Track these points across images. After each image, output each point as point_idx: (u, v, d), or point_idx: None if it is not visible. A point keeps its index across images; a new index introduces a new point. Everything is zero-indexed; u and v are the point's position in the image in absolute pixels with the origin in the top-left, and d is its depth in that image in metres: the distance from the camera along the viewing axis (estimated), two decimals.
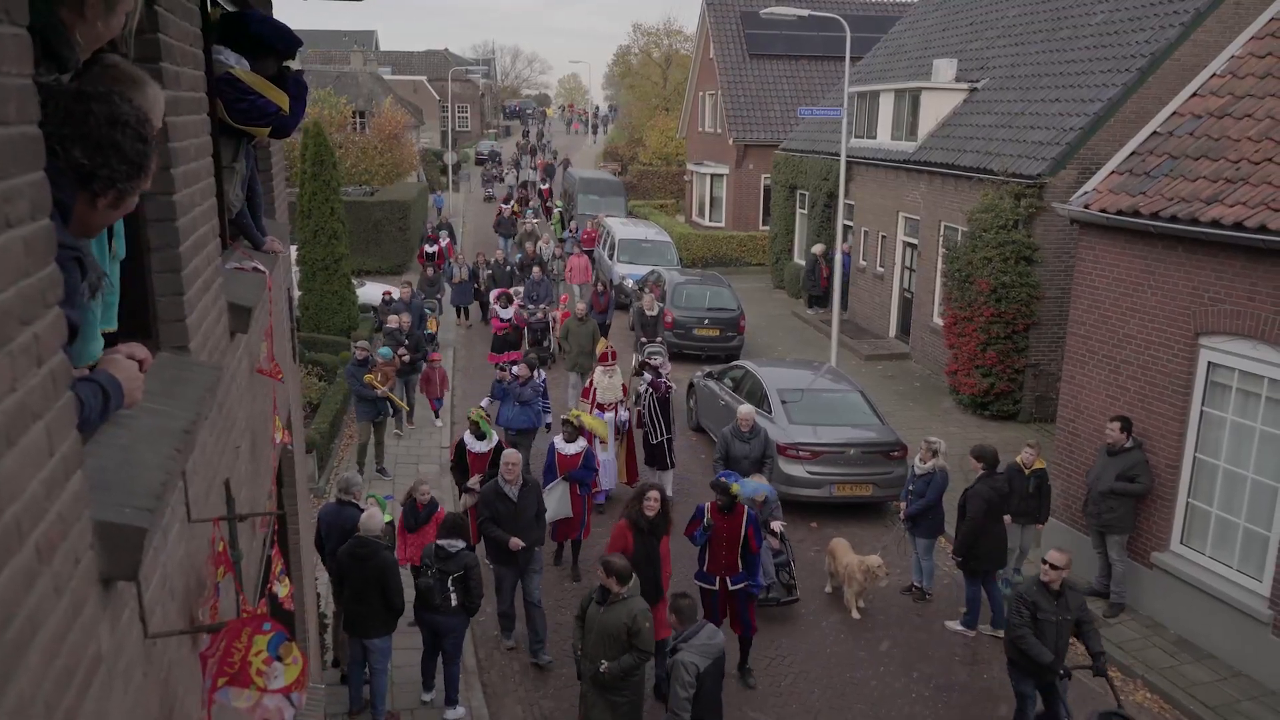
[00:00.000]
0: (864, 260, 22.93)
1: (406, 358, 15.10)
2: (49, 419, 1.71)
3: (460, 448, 10.99)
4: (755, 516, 9.20)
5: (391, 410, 14.36)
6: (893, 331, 21.76)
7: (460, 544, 8.24)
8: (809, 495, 12.45)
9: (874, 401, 14.09)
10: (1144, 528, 10.26)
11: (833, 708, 8.86)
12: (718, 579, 8.98)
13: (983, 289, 15.99)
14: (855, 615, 10.37)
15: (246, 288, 4.39)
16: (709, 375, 15.69)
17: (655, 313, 18.20)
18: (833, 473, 12.52)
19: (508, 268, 22.67)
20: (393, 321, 15.66)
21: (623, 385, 13.35)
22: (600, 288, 20.09)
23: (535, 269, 20.91)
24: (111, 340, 2.72)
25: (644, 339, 17.78)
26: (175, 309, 3.14)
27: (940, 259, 18.52)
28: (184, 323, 3.15)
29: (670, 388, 13.41)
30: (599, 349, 14.20)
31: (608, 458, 12.68)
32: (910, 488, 10.74)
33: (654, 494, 8.44)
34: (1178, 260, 9.83)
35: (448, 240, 25.81)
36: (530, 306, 19.26)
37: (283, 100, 4.55)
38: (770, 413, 13.23)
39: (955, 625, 10.22)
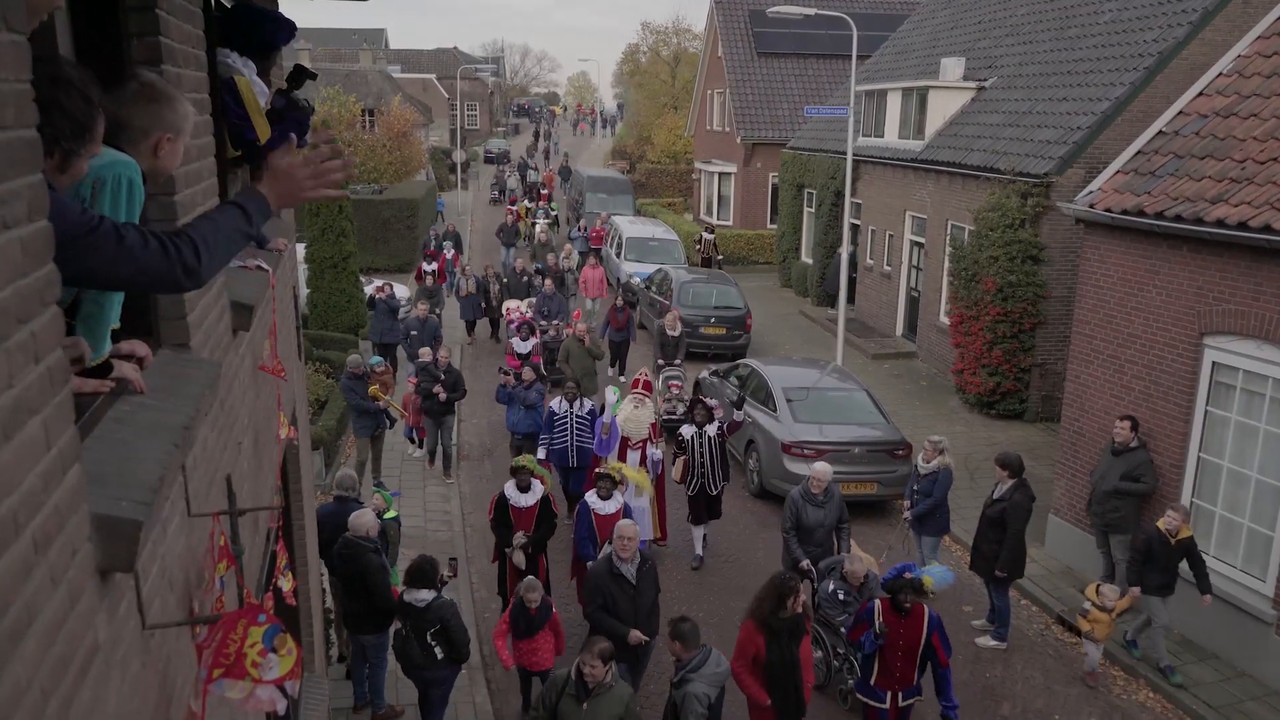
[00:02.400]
0: (871, 259, 22.92)
1: (443, 396, 13.15)
2: (46, 414, 1.75)
3: (501, 503, 9.33)
4: (938, 619, 7.53)
5: (389, 422, 13.28)
6: (899, 330, 21.75)
7: (427, 595, 7.35)
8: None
9: (879, 400, 14.11)
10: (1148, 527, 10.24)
11: (836, 706, 8.86)
12: (889, 694, 7.48)
13: (989, 288, 15.99)
14: None
15: (249, 286, 4.44)
16: (715, 373, 15.72)
17: (677, 333, 16.74)
18: (838, 471, 12.48)
19: (524, 278, 20.89)
20: (425, 355, 13.69)
21: (652, 423, 11.49)
22: (619, 303, 18.42)
23: (547, 282, 19.43)
24: (115, 337, 2.78)
25: (662, 360, 16.50)
26: (176, 306, 3.18)
27: (947, 258, 18.50)
28: (185, 320, 3.20)
29: (733, 426, 11.74)
30: (638, 373, 12.22)
31: (640, 504, 11.05)
32: (915, 487, 10.61)
33: (801, 590, 6.99)
34: (1182, 260, 9.82)
35: (453, 251, 24.11)
36: (542, 323, 17.91)
37: (263, 132, 4.57)
38: (775, 411, 13.26)
39: (988, 641, 9.91)
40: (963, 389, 17.07)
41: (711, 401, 11.66)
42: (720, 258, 28.19)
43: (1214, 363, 9.65)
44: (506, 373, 13.27)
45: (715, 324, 19.79)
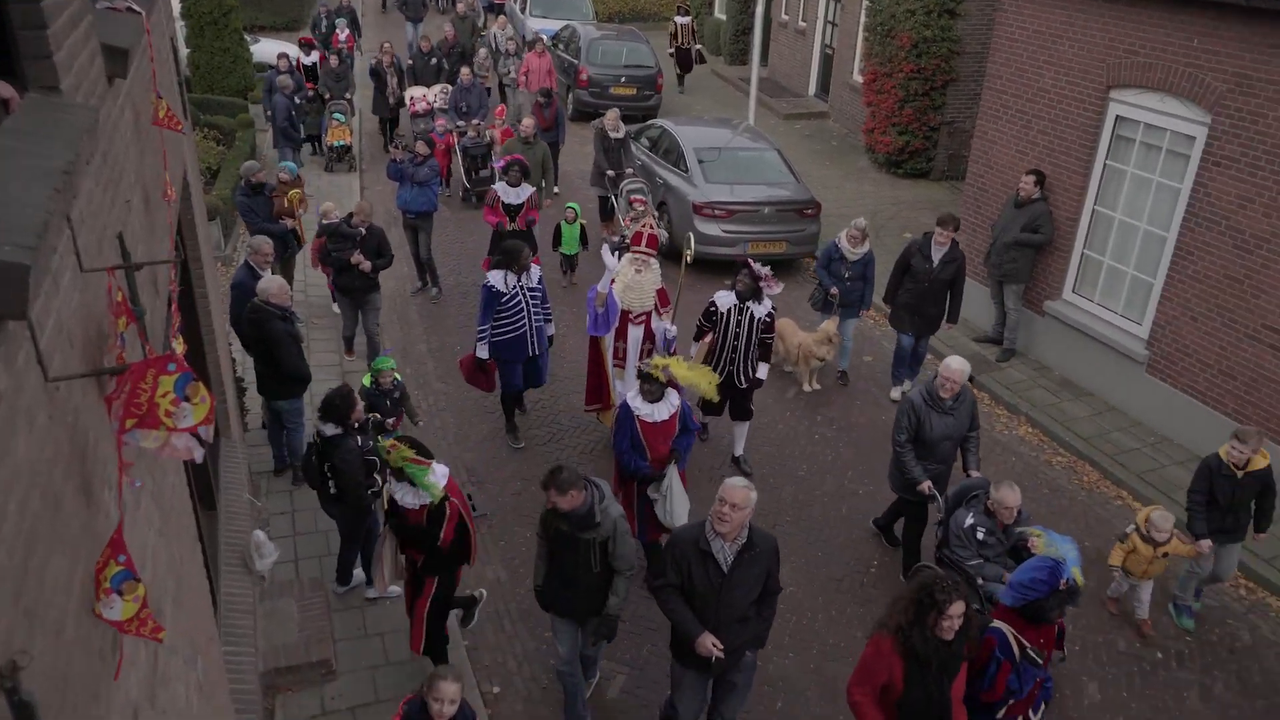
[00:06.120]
0: (786, 15, 22.15)
1: (366, 266, 9.68)
2: None
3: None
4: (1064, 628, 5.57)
5: (298, 244, 11.01)
6: (812, 90, 21.42)
7: (330, 430, 6.56)
8: (724, 254, 12.59)
9: (790, 160, 14.07)
10: (1040, 277, 10.73)
11: (775, 473, 9.31)
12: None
13: (904, 44, 15.70)
14: (808, 389, 10.37)
15: (121, 29, 4.08)
16: (626, 135, 15.35)
17: (620, 134, 13.58)
18: (748, 231, 12.65)
19: (432, 60, 17.47)
20: (330, 211, 10.01)
21: (659, 289, 8.78)
22: (544, 97, 15.12)
23: (464, 71, 15.81)
24: None
25: (610, 170, 13.45)
26: (39, 44, 2.90)
27: (863, 12, 17.99)
28: (51, 60, 2.93)
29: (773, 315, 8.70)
30: (640, 225, 8.89)
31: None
32: (847, 274, 9.97)
33: (958, 604, 4.65)
34: (1098, 10, 9.73)
35: (348, 31, 19.48)
36: (460, 123, 15.09)
37: None
38: (687, 172, 13.15)
39: (902, 388, 10.17)
40: (872, 148, 17.10)
41: (763, 270, 8.57)
42: (700, 48, 22.57)
43: (1117, 116, 9.80)
44: (398, 146, 12.16)
45: (626, 84, 19.20)
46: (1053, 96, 10.41)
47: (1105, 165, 10.02)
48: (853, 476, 9.05)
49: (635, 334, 8.73)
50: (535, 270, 8.80)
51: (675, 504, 7.03)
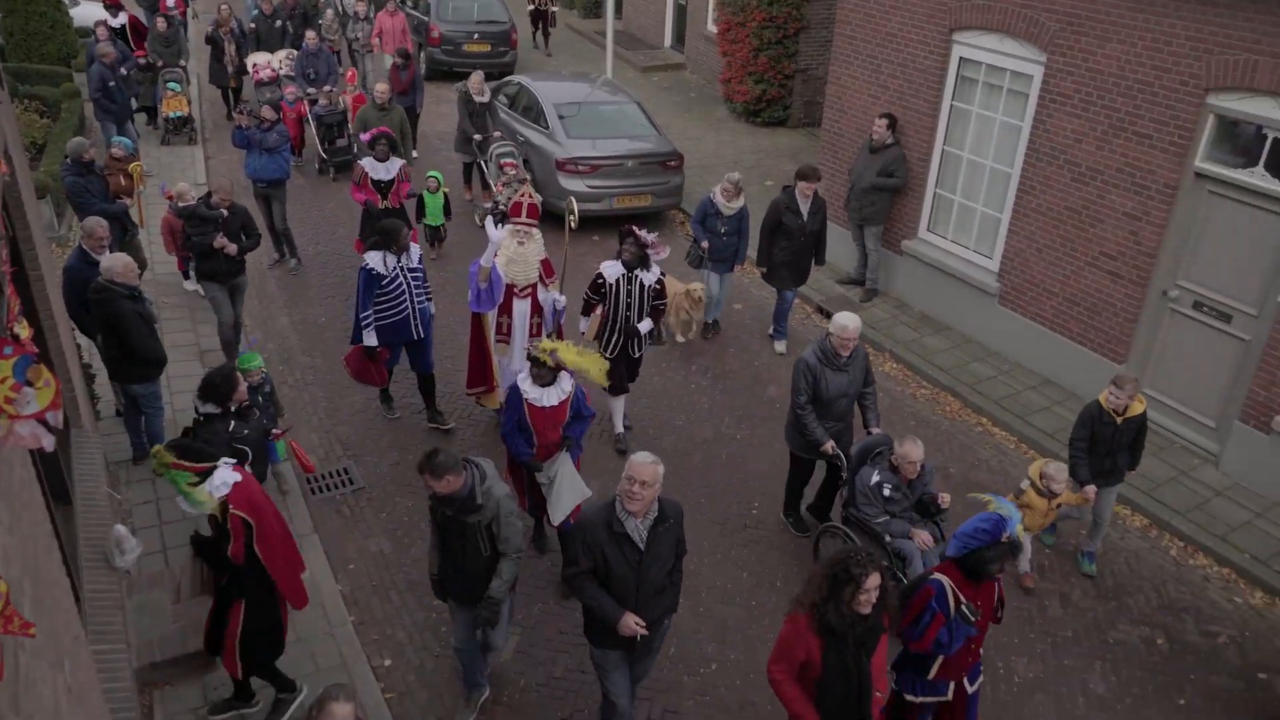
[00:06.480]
0: None
1: (232, 250, 8.99)
2: None
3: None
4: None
5: (134, 227, 10.18)
6: (668, 41, 21.42)
7: (211, 409, 6.15)
8: (589, 209, 12.53)
9: (650, 113, 14.06)
10: (897, 219, 11.10)
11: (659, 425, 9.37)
12: (952, 685, 5.51)
13: None
14: (680, 340, 10.44)
15: None
16: (492, 98, 15.02)
17: (486, 98, 13.15)
18: (612, 185, 12.62)
19: (278, 22, 16.55)
20: (185, 192, 9.67)
21: (544, 259, 8.31)
22: (401, 59, 14.47)
23: (309, 35, 14.95)
24: None
25: (477, 135, 12.97)
26: None
27: None
28: None
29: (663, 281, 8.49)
30: (519, 194, 8.29)
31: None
32: (723, 229, 9.96)
33: (874, 577, 4.56)
34: None
35: None
36: (310, 90, 14.46)
37: None
38: (548, 128, 12.99)
39: (781, 347, 10.34)
40: (730, 98, 17.26)
41: (649, 236, 8.20)
42: (555, 9, 21.85)
43: (961, 58, 10.14)
44: (244, 111, 11.53)
45: (479, 40, 18.80)
46: (900, 40, 10.70)
47: (952, 106, 10.38)
48: (729, 422, 9.22)
49: (521, 308, 8.25)
50: (415, 249, 8.40)
51: (562, 494, 6.74)
